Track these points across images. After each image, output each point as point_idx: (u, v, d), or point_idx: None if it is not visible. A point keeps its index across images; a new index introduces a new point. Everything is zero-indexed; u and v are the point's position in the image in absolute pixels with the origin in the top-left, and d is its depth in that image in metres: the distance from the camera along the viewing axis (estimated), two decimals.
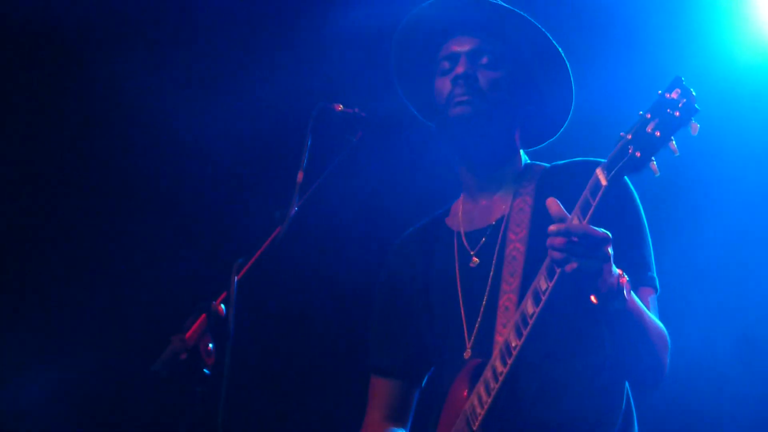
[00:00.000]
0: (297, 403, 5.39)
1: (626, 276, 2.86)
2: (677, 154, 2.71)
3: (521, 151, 3.38)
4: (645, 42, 5.07)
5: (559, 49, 3.30)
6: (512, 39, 3.30)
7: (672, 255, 4.97)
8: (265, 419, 5.37)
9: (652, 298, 3.15)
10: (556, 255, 2.79)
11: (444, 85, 3.28)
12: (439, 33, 3.34)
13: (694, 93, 2.68)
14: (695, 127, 2.68)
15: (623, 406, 3.15)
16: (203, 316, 2.69)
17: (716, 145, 4.94)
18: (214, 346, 2.65)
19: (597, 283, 2.81)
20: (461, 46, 3.29)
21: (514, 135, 3.34)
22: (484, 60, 3.27)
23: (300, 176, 2.95)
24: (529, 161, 3.39)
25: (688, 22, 5.11)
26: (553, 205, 2.82)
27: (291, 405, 5.39)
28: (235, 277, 2.76)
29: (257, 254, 2.85)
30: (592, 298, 2.83)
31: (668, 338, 3.10)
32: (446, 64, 3.30)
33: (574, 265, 2.76)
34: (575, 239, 2.75)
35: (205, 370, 2.62)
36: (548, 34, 3.29)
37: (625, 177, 2.84)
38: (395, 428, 3.42)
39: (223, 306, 2.71)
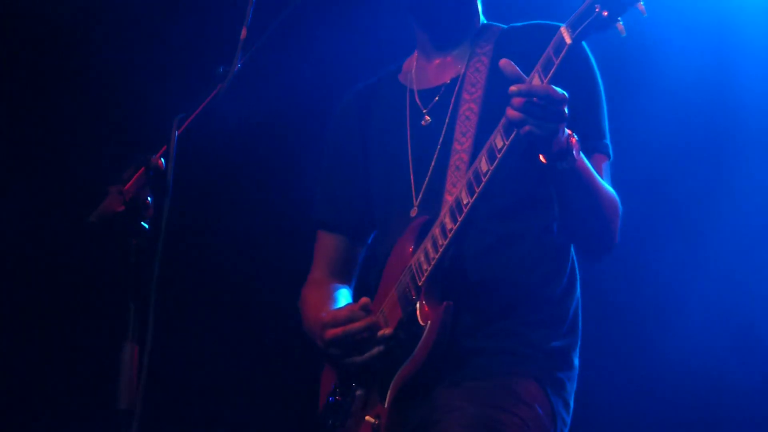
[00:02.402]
0: (234, 258, 5.39)
1: (576, 137, 2.82)
2: (645, 15, 2.64)
3: (480, 12, 3.30)
4: None
5: None
6: None
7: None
8: (200, 275, 5.36)
9: (605, 165, 3.13)
10: (515, 115, 2.74)
11: None
12: None
13: None
14: None
15: (567, 269, 3.15)
16: (142, 169, 2.63)
17: None
18: (152, 200, 2.60)
19: (550, 144, 2.78)
20: None
21: None
22: None
23: (244, 32, 2.87)
24: (486, 22, 3.31)
25: None
26: (508, 66, 2.76)
27: (229, 260, 5.39)
28: (176, 132, 2.72)
29: (198, 110, 2.80)
30: (541, 157, 2.81)
31: (620, 205, 3.08)
32: None
33: (531, 127, 2.72)
34: (535, 99, 2.70)
35: (142, 223, 2.58)
36: None
37: (584, 43, 2.79)
38: (340, 284, 3.42)
39: (162, 160, 2.66)
